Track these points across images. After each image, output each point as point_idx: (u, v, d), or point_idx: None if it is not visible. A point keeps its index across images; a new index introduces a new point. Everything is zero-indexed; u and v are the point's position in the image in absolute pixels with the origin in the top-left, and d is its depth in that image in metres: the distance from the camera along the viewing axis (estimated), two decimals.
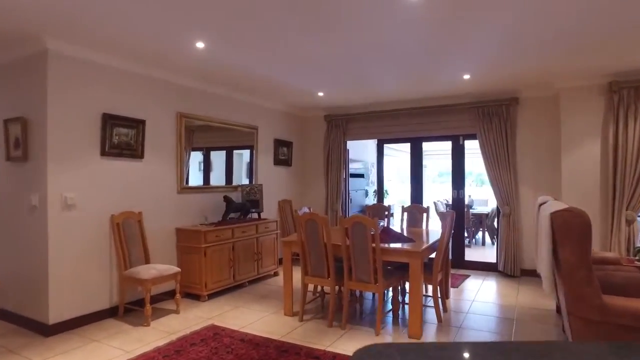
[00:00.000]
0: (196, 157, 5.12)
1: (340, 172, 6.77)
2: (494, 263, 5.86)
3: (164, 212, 4.52)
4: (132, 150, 4.13)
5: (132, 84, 4.15)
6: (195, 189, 4.95)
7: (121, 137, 4.02)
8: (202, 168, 5.22)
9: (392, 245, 3.56)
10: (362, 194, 9.11)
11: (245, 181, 5.88)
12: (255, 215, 5.64)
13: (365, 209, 9.32)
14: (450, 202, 9.87)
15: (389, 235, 3.94)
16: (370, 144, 10.09)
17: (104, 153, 3.86)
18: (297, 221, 3.78)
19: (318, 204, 6.96)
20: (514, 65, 4.31)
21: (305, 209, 4.62)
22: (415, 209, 4.90)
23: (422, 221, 4.88)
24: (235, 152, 5.84)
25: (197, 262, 4.49)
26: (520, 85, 5.27)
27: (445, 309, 4.07)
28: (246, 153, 5.96)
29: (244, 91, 5.51)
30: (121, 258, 3.90)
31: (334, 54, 3.91)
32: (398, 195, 11.71)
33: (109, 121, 3.88)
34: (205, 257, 4.47)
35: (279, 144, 6.46)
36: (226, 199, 5.07)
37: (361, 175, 9.21)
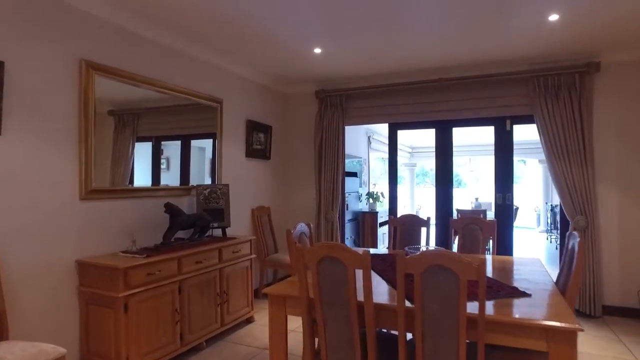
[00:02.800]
0: (148, 151, 3.30)
1: (337, 168, 4.94)
2: None
3: (51, 233, 2.52)
4: None
5: None
6: (116, 192, 2.97)
7: None
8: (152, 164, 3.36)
9: (504, 311, 1.76)
10: (354, 197, 7.32)
11: (209, 182, 3.95)
12: (218, 232, 3.72)
13: (360, 219, 7.51)
14: (456, 207, 8.25)
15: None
16: (362, 134, 8.33)
17: None
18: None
19: (307, 212, 5.10)
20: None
21: (302, 227, 2.77)
22: (475, 224, 3.13)
23: (482, 243, 3.13)
24: (196, 143, 3.92)
25: (111, 322, 2.53)
26: (608, 43, 3.64)
27: None
28: (210, 146, 4.04)
29: (202, 43, 3.58)
30: None
31: None
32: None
33: None
34: (126, 313, 2.52)
35: (253, 127, 4.55)
36: (169, 208, 3.12)
37: (354, 174, 7.42)
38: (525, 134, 8.29)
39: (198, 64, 3.76)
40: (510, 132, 4.44)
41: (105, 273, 2.54)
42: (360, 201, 7.75)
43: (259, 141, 4.67)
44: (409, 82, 4.59)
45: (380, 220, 7.57)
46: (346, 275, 1.78)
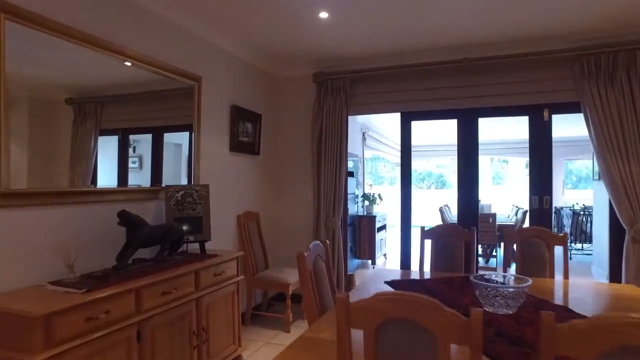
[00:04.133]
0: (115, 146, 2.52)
1: (339, 166, 4.12)
2: None
3: None
4: None
5: None
6: (44, 196, 2.05)
7: None
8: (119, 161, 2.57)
9: None
10: (351, 199, 6.51)
11: (185, 182, 3.08)
12: (194, 247, 2.85)
13: (357, 224, 6.62)
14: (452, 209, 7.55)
15: None
16: (357, 130, 7.52)
17: None
18: (340, 313, 1.08)
19: (304, 218, 4.27)
20: None
21: (317, 248, 1.94)
22: (539, 237, 2.36)
23: (549, 264, 2.36)
24: (171, 138, 3.07)
25: None
26: None
27: None
28: (187, 142, 3.18)
29: (175, 1, 2.71)
30: None
31: None
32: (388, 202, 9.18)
33: None
34: None
35: (239, 115, 3.68)
36: (125, 218, 2.23)
37: (351, 174, 6.61)
38: (510, 132, 7.66)
39: (169, 27, 2.88)
40: (549, 123, 3.72)
41: (13, 323, 1.64)
42: (356, 203, 6.96)
43: (246, 132, 3.81)
44: (426, 63, 3.81)
45: (378, 224, 6.82)
46: (434, 352, 0.96)
